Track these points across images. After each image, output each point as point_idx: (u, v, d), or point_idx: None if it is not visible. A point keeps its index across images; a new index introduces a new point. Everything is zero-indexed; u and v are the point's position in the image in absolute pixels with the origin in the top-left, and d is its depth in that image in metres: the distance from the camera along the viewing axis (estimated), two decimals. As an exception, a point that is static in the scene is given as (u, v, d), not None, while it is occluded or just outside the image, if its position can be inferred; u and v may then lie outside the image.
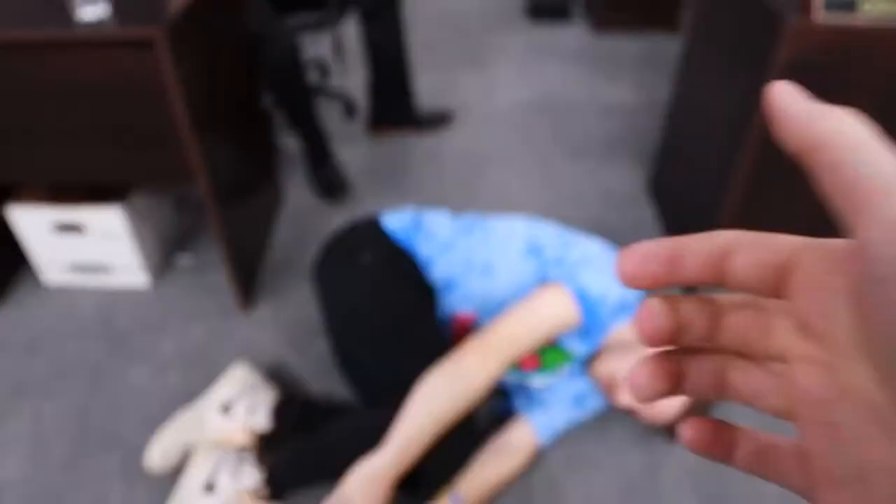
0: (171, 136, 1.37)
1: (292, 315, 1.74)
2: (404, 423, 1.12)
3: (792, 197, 1.58)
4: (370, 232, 1.42)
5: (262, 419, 1.37)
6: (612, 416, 1.54)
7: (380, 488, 1.10)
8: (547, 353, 1.35)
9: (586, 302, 1.21)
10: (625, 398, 1.24)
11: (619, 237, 2.03)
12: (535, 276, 1.32)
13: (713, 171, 1.67)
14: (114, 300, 1.76)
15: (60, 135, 1.40)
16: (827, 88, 1.38)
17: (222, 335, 1.68)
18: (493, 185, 2.22)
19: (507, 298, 1.34)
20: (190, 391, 1.54)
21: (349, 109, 2.52)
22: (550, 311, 1.20)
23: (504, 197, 2.17)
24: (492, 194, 2.18)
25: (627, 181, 2.26)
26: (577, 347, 1.33)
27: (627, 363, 1.25)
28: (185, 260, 1.89)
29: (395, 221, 1.44)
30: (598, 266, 1.25)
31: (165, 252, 1.89)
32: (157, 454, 1.33)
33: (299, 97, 1.97)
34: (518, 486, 1.40)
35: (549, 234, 1.35)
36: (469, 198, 2.16)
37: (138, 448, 1.43)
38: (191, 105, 1.32)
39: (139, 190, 1.72)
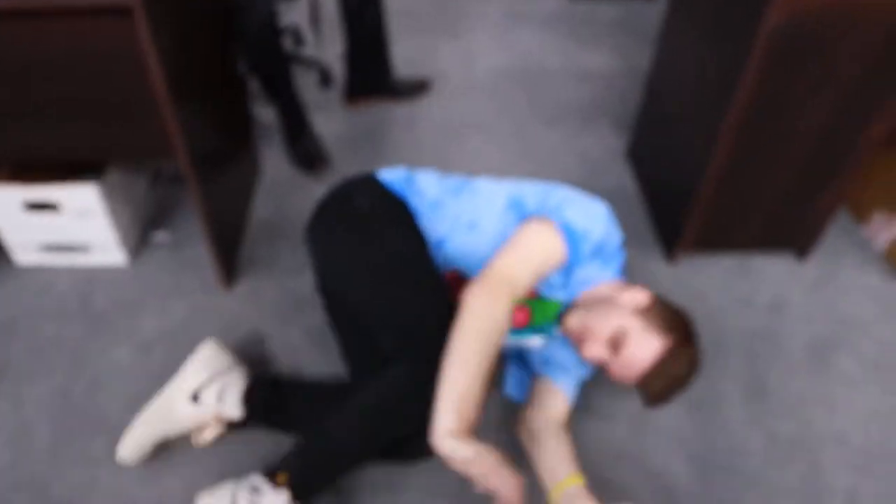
0: (148, 108, 1.32)
1: (275, 289, 1.71)
2: (452, 388, 1.07)
3: (774, 163, 1.60)
4: (366, 182, 1.39)
5: (232, 406, 1.33)
6: (595, 383, 1.56)
7: (468, 451, 1.05)
8: (535, 305, 1.36)
9: (571, 235, 1.23)
10: (596, 350, 1.25)
11: (600, 204, 2.04)
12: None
13: (695, 138, 1.68)
14: (91, 279, 1.72)
15: (30, 110, 1.34)
16: (815, 54, 1.39)
17: (204, 311, 1.65)
18: (471, 153, 2.21)
19: (490, 254, 1.34)
20: (174, 369, 1.52)
21: (325, 79, 2.46)
22: (539, 242, 1.21)
23: (482, 165, 2.16)
24: (470, 162, 2.17)
25: (605, 147, 2.27)
26: (558, 296, 1.35)
27: (599, 315, 1.27)
28: (161, 237, 1.84)
29: (390, 175, 1.42)
30: (579, 206, 1.27)
31: (142, 229, 1.84)
32: (130, 448, 1.30)
33: (277, 66, 1.92)
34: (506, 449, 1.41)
35: (530, 189, 1.37)
36: (447, 166, 2.15)
37: (123, 429, 1.40)
38: (169, 75, 1.27)
39: (114, 166, 1.67)
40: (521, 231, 1.24)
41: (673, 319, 1.25)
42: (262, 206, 1.97)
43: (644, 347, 1.22)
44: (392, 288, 1.23)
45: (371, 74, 2.33)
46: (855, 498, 1.39)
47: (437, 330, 1.19)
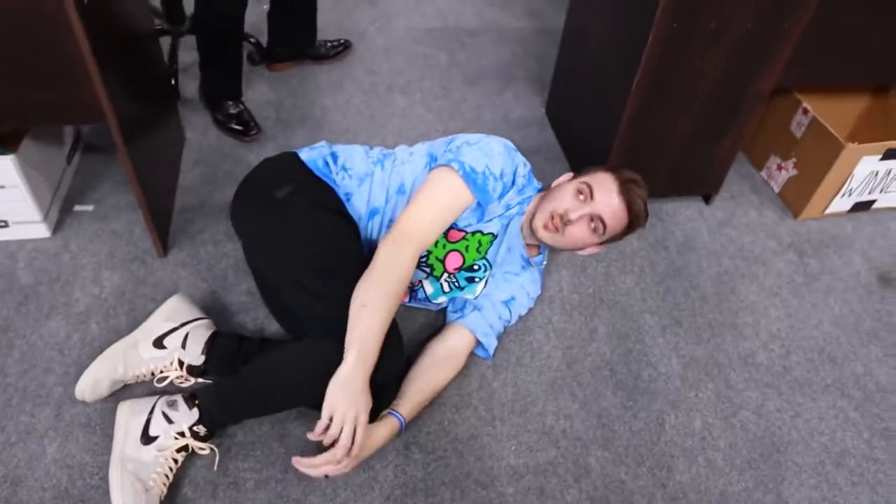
0: (71, 68, 1.27)
1: (211, 255, 1.71)
2: (354, 328, 1.18)
3: (679, 113, 1.72)
4: (287, 165, 1.42)
5: (194, 352, 1.36)
6: (532, 324, 1.66)
7: (358, 385, 1.16)
8: (465, 245, 1.44)
9: (472, 176, 1.31)
10: (579, 228, 1.38)
11: (524, 159, 2.13)
12: None
13: (608, 93, 1.78)
14: (12, 255, 1.64)
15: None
16: (712, 10, 1.50)
17: (139, 280, 1.62)
18: (398, 114, 2.24)
19: None
20: (115, 337, 1.48)
21: (258, 54, 2.37)
22: (441, 186, 1.32)
23: (409, 125, 2.20)
24: (397, 124, 2.20)
25: (526, 106, 2.35)
26: (487, 227, 1.44)
27: (551, 199, 1.40)
28: (83, 207, 1.78)
29: (312, 154, 1.45)
30: (477, 147, 1.35)
31: (63, 202, 1.77)
32: (88, 385, 1.31)
33: (236, 24, 1.90)
34: (453, 390, 1.49)
35: (440, 142, 1.45)
36: (375, 127, 2.17)
37: (68, 399, 1.38)
38: (91, 32, 1.23)
39: (30, 137, 1.59)
40: (426, 182, 1.34)
41: (592, 166, 1.45)
42: (190, 175, 1.93)
43: (604, 180, 1.38)
44: (310, 279, 1.29)
45: (296, 38, 2.31)
46: (762, 409, 1.56)
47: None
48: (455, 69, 2.48)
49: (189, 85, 2.22)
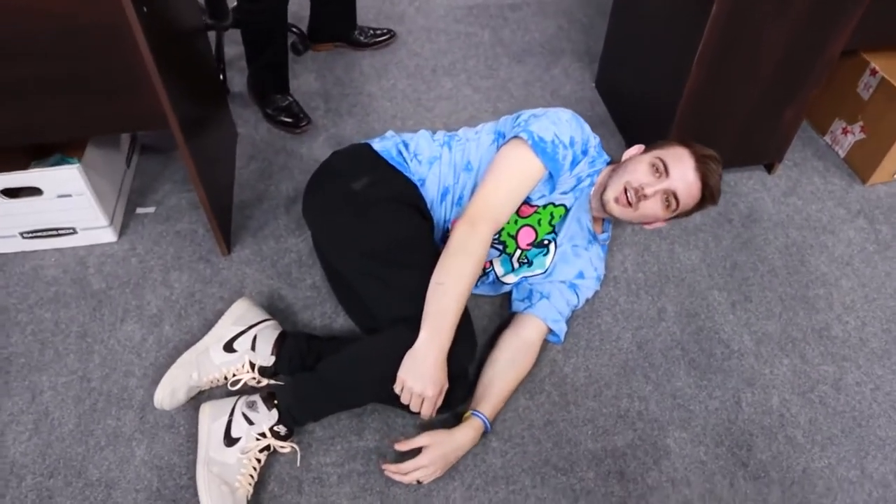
0: (134, 78, 1.28)
1: (274, 251, 1.72)
2: (429, 306, 1.20)
3: (743, 82, 1.66)
4: (362, 156, 1.42)
5: (264, 353, 1.38)
6: (599, 307, 1.64)
7: (429, 361, 1.18)
8: (535, 218, 1.42)
9: (541, 146, 1.29)
10: (651, 203, 1.35)
11: (576, 136, 2.09)
12: None
13: (668, 63, 1.72)
14: (82, 260, 1.68)
15: (9, 89, 1.28)
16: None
17: (207, 280, 1.64)
18: (445, 97, 2.21)
19: None
20: (189, 338, 1.52)
21: (302, 44, 2.36)
22: (512, 162, 1.30)
23: (457, 108, 2.17)
24: (444, 107, 2.17)
25: (576, 81, 2.30)
26: (559, 199, 1.42)
27: (624, 172, 1.37)
28: (146, 209, 1.80)
29: (385, 144, 1.44)
30: (543, 118, 1.33)
31: (125, 205, 1.80)
32: (166, 393, 1.34)
33: (281, 18, 1.90)
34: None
35: (504, 119, 1.44)
36: (423, 111, 2.15)
37: (150, 402, 1.41)
38: (151, 40, 1.23)
39: (93, 144, 1.61)
40: (496, 159, 1.32)
41: (665, 140, 1.41)
42: (244, 169, 1.94)
43: (680, 155, 1.34)
44: (386, 271, 1.30)
45: (337, 21, 2.29)
46: (840, 383, 1.53)
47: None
48: (499, 47, 2.43)
49: (236, 79, 2.22)
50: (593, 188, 1.44)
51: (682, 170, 1.32)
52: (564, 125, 1.33)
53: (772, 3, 1.49)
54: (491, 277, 1.51)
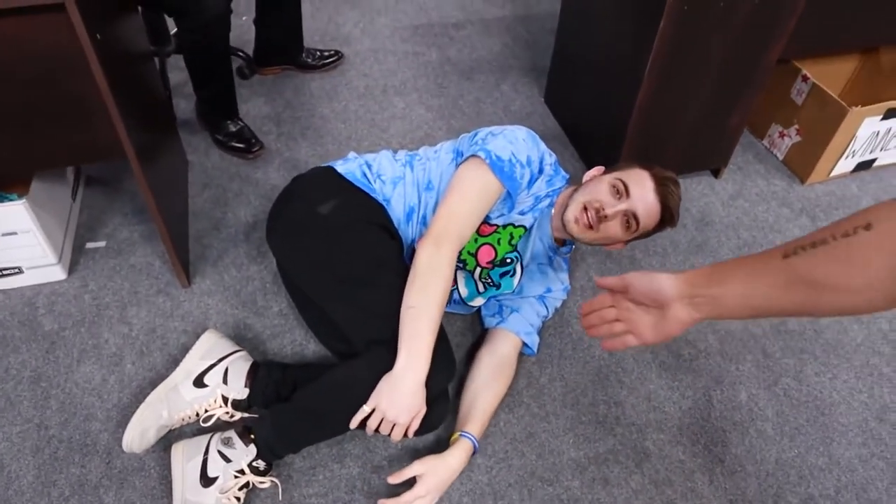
0: (89, 107, 1.23)
1: (237, 280, 1.67)
2: (403, 331, 1.18)
3: (690, 91, 1.73)
4: (326, 179, 1.40)
5: (237, 386, 1.33)
6: (568, 316, 1.67)
7: (406, 387, 1.16)
8: (495, 237, 1.43)
9: (499, 164, 1.29)
10: (612, 224, 1.36)
11: (530, 150, 2.12)
12: None
13: (618, 76, 1.78)
14: (30, 301, 1.58)
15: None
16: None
17: (168, 314, 1.58)
18: (399, 116, 2.21)
19: None
20: (153, 376, 1.45)
21: (248, 69, 2.33)
22: (471, 181, 1.30)
23: (411, 127, 2.18)
24: (399, 126, 2.17)
25: (525, 96, 2.35)
26: (518, 219, 1.43)
27: (584, 192, 1.38)
28: (96, 244, 1.72)
29: (349, 167, 1.43)
30: (500, 136, 1.34)
31: (73, 241, 1.71)
32: (136, 435, 1.27)
33: (224, 48, 1.84)
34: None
35: (464, 138, 1.44)
36: (378, 132, 2.14)
37: (116, 446, 1.34)
38: (107, 68, 1.19)
39: (38, 179, 1.53)
40: (455, 178, 1.32)
41: (625, 162, 1.42)
42: (198, 198, 1.88)
43: (640, 176, 1.35)
44: (358, 293, 1.28)
45: (284, 45, 2.27)
46: (801, 375, 1.59)
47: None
48: (448, 65, 2.46)
49: (182, 106, 2.16)
50: (554, 208, 1.46)
51: (642, 191, 1.34)
52: (521, 144, 1.34)
53: (716, 16, 1.56)
54: (455, 296, 1.51)
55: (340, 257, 1.31)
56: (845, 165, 2.05)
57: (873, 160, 2.09)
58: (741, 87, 1.78)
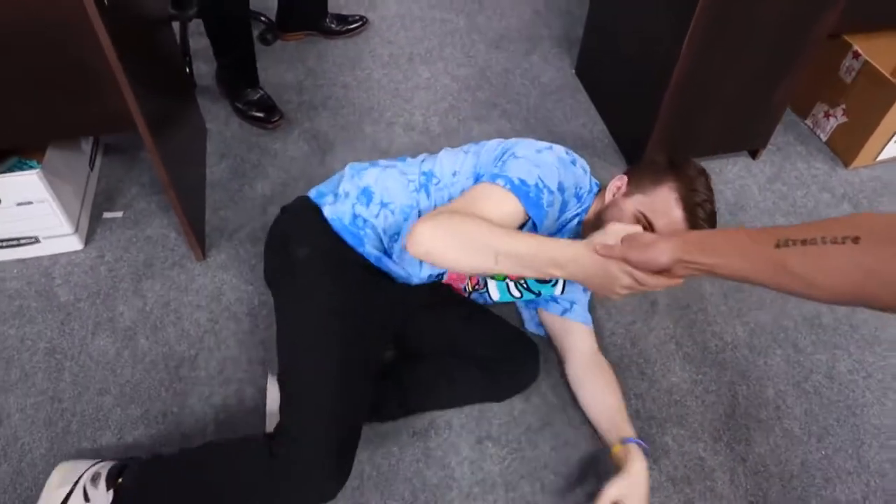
0: (98, 78, 1.18)
1: (252, 255, 1.64)
2: (523, 252, 1.01)
3: (731, 66, 1.63)
4: (308, 221, 1.29)
5: (101, 498, 1.15)
6: (590, 302, 1.61)
7: (590, 260, 1.00)
8: None
9: (523, 189, 1.12)
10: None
11: (557, 125, 2.04)
12: None
13: (655, 48, 1.68)
14: (46, 271, 1.58)
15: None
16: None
17: (182, 288, 1.56)
18: (423, 86, 2.14)
19: None
20: (167, 351, 1.44)
21: (269, 34, 2.26)
22: (488, 199, 1.12)
23: (436, 98, 2.10)
24: (423, 97, 2.10)
25: (555, 68, 2.25)
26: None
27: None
28: (113, 214, 1.71)
29: (337, 210, 1.28)
30: (527, 160, 1.18)
31: (91, 211, 1.69)
32: None
33: (244, 13, 1.79)
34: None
35: (488, 153, 1.28)
36: (401, 102, 2.08)
37: (129, 423, 1.34)
38: (115, 36, 1.14)
39: (54, 148, 1.51)
40: (468, 191, 1.18)
41: (654, 165, 1.24)
42: (216, 168, 1.85)
43: (665, 204, 1.18)
44: (304, 359, 1.17)
45: (308, 6, 2.20)
46: (833, 372, 1.52)
47: (323, 420, 1.11)
48: (476, 33, 2.36)
49: (203, 72, 2.11)
50: (584, 220, 1.32)
51: (668, 222, 1.19)
52: (551, 168, 1.18)
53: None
54: (486, 298, 1.45)
55: (299, 311, 1.22)
56: (894, 150, 1.93)
57: (925, 144, 1.96)
58: (787, 62, 1.66)
